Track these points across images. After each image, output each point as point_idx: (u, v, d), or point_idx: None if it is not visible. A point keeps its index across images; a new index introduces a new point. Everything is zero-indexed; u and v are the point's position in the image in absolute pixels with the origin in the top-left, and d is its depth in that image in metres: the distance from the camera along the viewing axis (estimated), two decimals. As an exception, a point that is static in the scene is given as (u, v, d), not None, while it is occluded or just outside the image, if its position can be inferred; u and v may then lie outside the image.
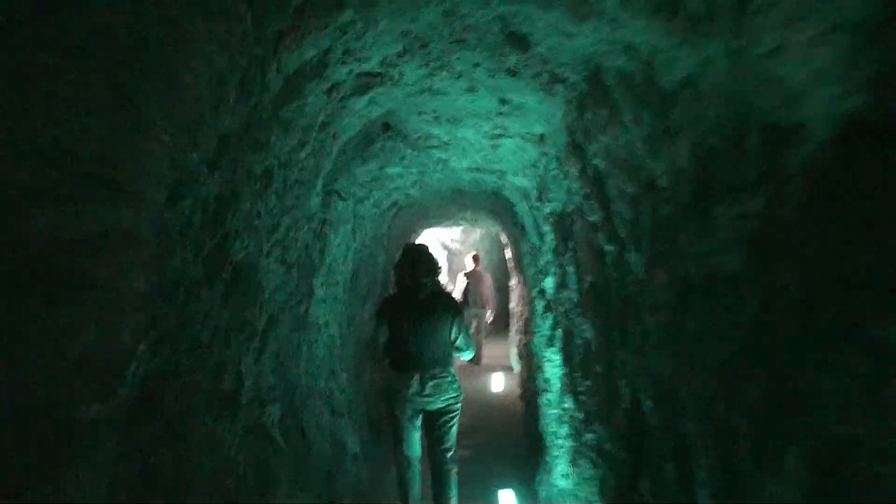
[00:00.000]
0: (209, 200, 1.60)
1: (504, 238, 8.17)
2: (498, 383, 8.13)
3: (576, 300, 3.07)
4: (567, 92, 2.60)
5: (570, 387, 3.20)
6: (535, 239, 4.41)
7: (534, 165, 3.71)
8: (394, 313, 3.82)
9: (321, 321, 3.92)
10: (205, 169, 1.53)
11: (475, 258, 10.11)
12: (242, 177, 1.80)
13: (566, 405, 3.31)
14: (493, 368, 9.29)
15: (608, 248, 2.50)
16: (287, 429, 3.04)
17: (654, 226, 1.92)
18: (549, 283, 3.95)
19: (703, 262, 1.54)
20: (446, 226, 8.37)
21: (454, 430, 3.89)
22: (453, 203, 6.16)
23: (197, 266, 1.57)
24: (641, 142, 1.96)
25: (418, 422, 3.82)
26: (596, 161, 2.45)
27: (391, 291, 4.38)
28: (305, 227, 3.09)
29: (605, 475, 2.57)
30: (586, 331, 2.87)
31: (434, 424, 3.79)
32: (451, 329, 3.86)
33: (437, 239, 12.02)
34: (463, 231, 12.16)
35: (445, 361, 3.81)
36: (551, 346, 3.84)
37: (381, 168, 4.09)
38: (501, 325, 13.80)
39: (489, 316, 9.64)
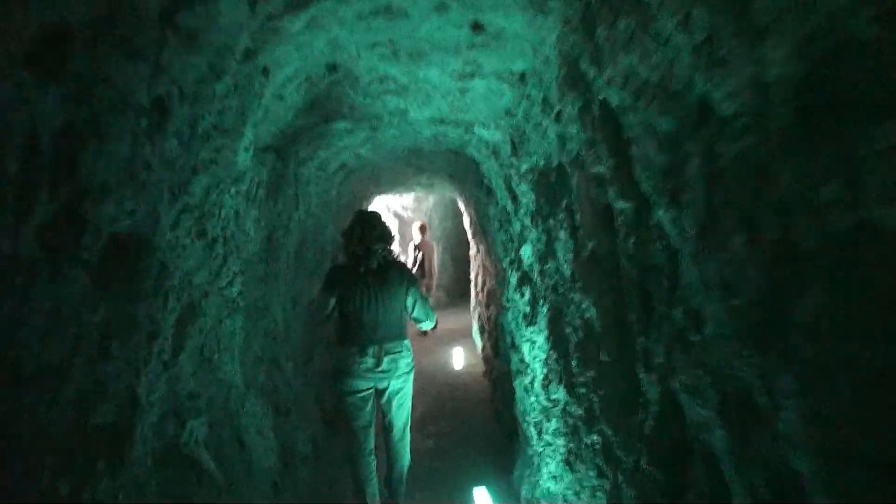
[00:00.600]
0: (45, 132, 0.96)
1: (462, 204, 7.62)
2: (458, 359, 7.66)
3: (568, 273, 2.55)
4: (565, 7, 2.02)
5: (563, 375, 2.70)
6: (505, 202, 3.87)
7: (509, 114, 3.14)
8: (343, 284, 3.48)
9: (260, 304, 3.29)
10: (26, 76, 0.89)
11: (422, 228, 9.67)
12: (109, 101, 1.16)
13: (556, 396, 2.82)
14: (452, 341, 8.82)
15: (621, 205, 1.96)
16: (220, 443, 2.44)
17: (709, 172, 1.39)
18: (526, 252, 3.42)
19: (825, 217, 1.01)
20: (399, 192, 7.75)
21: (409, 403, 3.66)
22: (409, 165, 5.54)
23: (22, 240, 0.94)
24: (689, 54, 1.41)
25: (370, 400, 3.50)
26: (607, 93, 1.89)
27: (339, 261, 3.85)
28: (233, 191, 2.45)
29: (618, 489, 2.08)
30: (586, 310, 2.35)
31: (389, 402, 3.53)
32: (405, 299, 3.61)
33: (387, 207, 11.36)
34: (415, 199, 11.54)
35: (400, 334, 3.56)
36: (532, 324, 3.33)
37: (327, 121, 3.44)
38: (457, 295, 13.35)
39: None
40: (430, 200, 12.08)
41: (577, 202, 2.35)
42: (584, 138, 2.18)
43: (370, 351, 3.38)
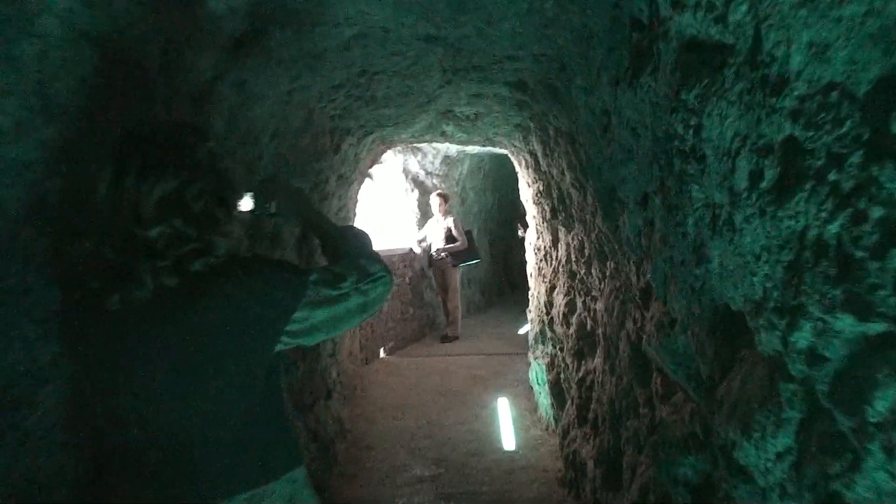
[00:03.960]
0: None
1: (523, 159, 4.36)
2: (507, 425, 4.47)
3: None
4: None
5: None
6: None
7: None
8: (81, 334, 1.13)
9: None
10: None
11: (444, 198, 7.19)
12: None
13: None
14: (492, 378, 5.65)
15: None
16: None
17: None
18: None
19: None
20: (415, 136, 4.46)
21: None
22: (432, 45, 2.35)
23: None
24: None
25: None
26: None
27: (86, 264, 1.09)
28: None
29: None
30: None
31: None
32: (268, 348, 1.20)
33: (404, 170, 8.14)
34: (445, 160, 8.29)
35: (262, 464, 1.22)
36: None
37: None
38: (495, 293, 10.12)
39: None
40: (465, 166, 8.83)
41: None
42: None
43: None
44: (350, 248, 1.43)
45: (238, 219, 1.26)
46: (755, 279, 1.13)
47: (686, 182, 1.40)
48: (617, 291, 2.46)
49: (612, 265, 2.48)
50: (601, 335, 2.78)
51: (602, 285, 2.70)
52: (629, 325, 2.29)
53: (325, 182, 3.28)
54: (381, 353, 6.66)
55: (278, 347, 1.21)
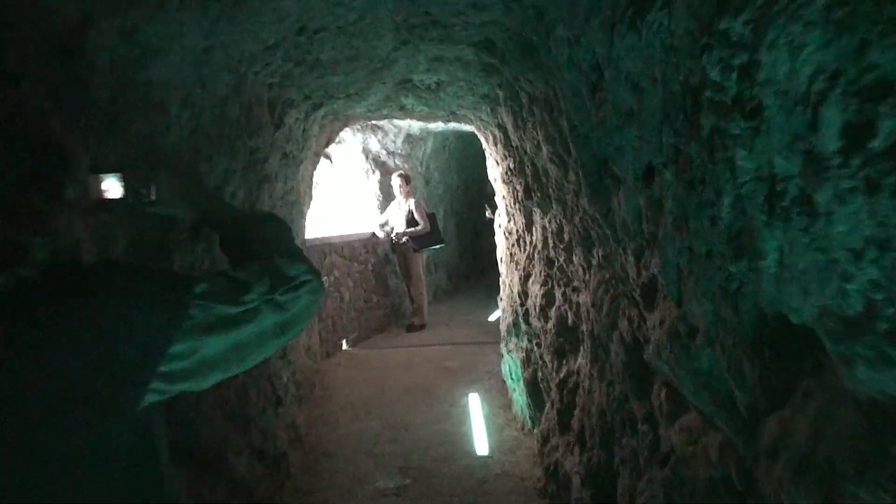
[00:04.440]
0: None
1: (490, 134, 3.96)
2: (479, 424, 4.12)
3: None
4: None
5: None
6: None
7: None
8: None
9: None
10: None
11: (406, 179, 6.88)
12: None
13: None
14: (464, 369, 5.28)
15: None
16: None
17: None
18: None
19: None
20: (370, 110, 4.00)
21: None
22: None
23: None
24: None
25: None
26: None
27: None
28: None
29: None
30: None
31: None
32: (131, 402, 0.78)
33: (364, 149, 7.67)
34: (407, 139, 7.83)
35: None
36: None
37: None
38: (463, 276, 9.75)
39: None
40: (429, 144, 8.38)
41: None
42: None
43: None
44: (261, 243, 1.03)
45: (77, 208, 0.84)
46: (850, 286, 0.76)
47: (722, 147, 1.02)
48: (607, 284, 2.09)
49: (599, 253, 2.11)
50: (586, 333, 2.42)
51: (587, 276, 2.33)
52: (623, 324, 1.93)
53: (264, 161, 2.83)
54: (344, 345, 6.24)
55: (149, 399, 0.80)
